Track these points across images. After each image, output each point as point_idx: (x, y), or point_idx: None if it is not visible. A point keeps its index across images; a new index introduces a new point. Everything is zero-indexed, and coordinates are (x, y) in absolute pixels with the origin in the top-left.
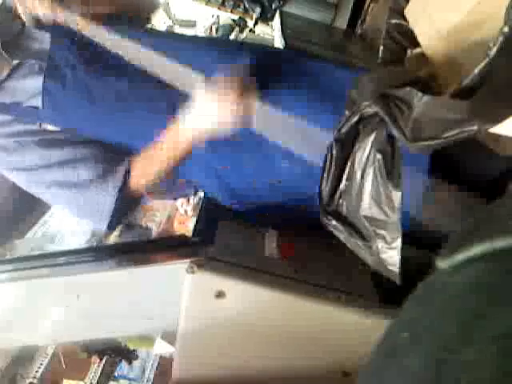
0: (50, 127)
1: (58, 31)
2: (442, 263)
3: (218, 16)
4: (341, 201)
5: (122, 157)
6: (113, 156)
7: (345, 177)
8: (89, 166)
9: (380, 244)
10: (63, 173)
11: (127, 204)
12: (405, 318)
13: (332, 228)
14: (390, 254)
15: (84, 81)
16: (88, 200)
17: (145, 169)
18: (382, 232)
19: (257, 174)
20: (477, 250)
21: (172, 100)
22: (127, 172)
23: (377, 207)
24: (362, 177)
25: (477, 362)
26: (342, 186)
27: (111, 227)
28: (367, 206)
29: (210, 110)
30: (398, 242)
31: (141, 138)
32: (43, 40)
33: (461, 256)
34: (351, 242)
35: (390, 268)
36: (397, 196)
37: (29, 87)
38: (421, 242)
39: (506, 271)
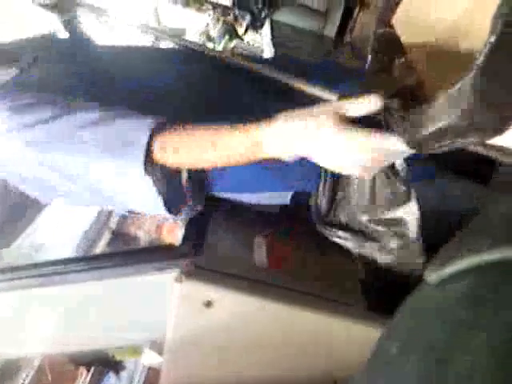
0: None
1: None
2: (431, 276)
3: (207, 24)
4: (338, 211)
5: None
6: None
7: (341, 186)
8: (120, 110)
9: (398, 242)
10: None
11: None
12: (395, 331)
13: (336, 237)
14: (412, 248)
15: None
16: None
17: (183, 146)
18: (399, 229)
19: None
20: (465, 263)
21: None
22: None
23: (389, 207)
24: (364, 183)
25: (468, 374)
26: (338, 196)
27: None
28: (376, 209)
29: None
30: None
31: None
32: None
33: (449, 269)
34: (360, 246)
35: (417, 261)
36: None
37: None
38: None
39: (493, 284)
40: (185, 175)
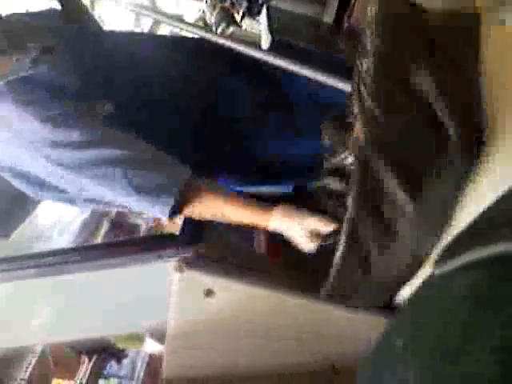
0: None
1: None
2: (438, 270)
3: (203, 11)
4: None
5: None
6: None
7: None
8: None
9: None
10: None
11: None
12: (401, 325)
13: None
14: None
15: None
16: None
17: (204, 205)
18: None
19: None
20: (471, 256)
21: None
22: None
23: None
24: None
25: (475, 373)
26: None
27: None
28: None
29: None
30: None
31: None
32: None
33: (455, 263)
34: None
35: None
36: None
37: None
38: None
39: (498, 278)
40: None
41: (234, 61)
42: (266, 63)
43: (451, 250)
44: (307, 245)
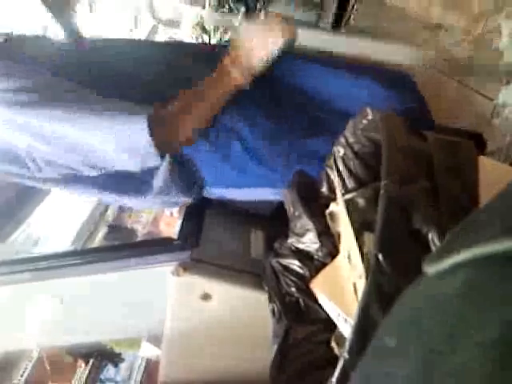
0: None
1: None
2: (429, 269)
3: (201, 16)
4: None
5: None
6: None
7: None
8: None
9: None
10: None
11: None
12: (393, 324)
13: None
14: None
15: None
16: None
17: (187, 114)
18: None
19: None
20: (462, 256)
21: None
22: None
23: None
24: None
25: (465, 368)
26: None
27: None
28: None
29: (260, 36)
30: None
31: None
32: None
33: (447, 261)
34: None
35: None
36: None
37: None
38: None
39: (491, 277)
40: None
41: None
42: None
43: (443, 250)
44: (277, 41)
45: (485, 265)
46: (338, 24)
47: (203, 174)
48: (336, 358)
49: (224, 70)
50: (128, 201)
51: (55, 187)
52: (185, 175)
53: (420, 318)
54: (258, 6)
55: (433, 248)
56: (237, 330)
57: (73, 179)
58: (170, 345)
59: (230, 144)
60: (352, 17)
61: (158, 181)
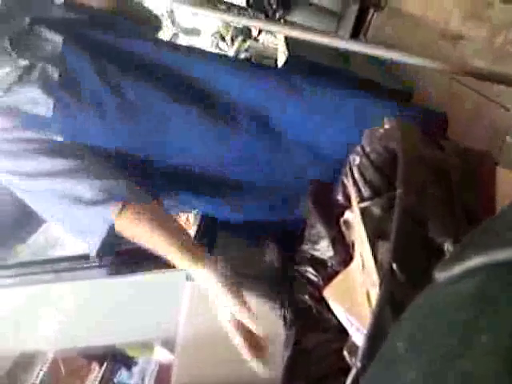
0: (59, 138)
1: (70, 34)
2: (440, 275)
3: (222, 24)
4: None
5: (128, 178)
6: (118, 175)
7: None
8: (93, 186)
9: None
10: (66, 184)
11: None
12: (403, 329)
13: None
14: None
15: (99, 94)
16: (85, 218)
17: (138, 227)
18: None
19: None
20: (474, 262)
21: (182, 113)
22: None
23: None
24: None
25: (476, 375)
26: None
27: (99, 253)
28: None
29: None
30: None
31: (153, 148)
32: (55, 43)
33: (458, 268)
34: None
35: None
36: None
37: (39, 95)
38: None
39: (503, 284)
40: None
41: None
42: None
43: (454, 256)
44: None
45: (497, 271)
46: (357, 33)
47: None
48: (348, 367)
49: (198, 254)
50: None
51: None
52: None
53: (430, 323)
54: (277, 14)
55: None
56: None
57: None
58: (183, 349)
59: None
60: (370, 26)
61: None
